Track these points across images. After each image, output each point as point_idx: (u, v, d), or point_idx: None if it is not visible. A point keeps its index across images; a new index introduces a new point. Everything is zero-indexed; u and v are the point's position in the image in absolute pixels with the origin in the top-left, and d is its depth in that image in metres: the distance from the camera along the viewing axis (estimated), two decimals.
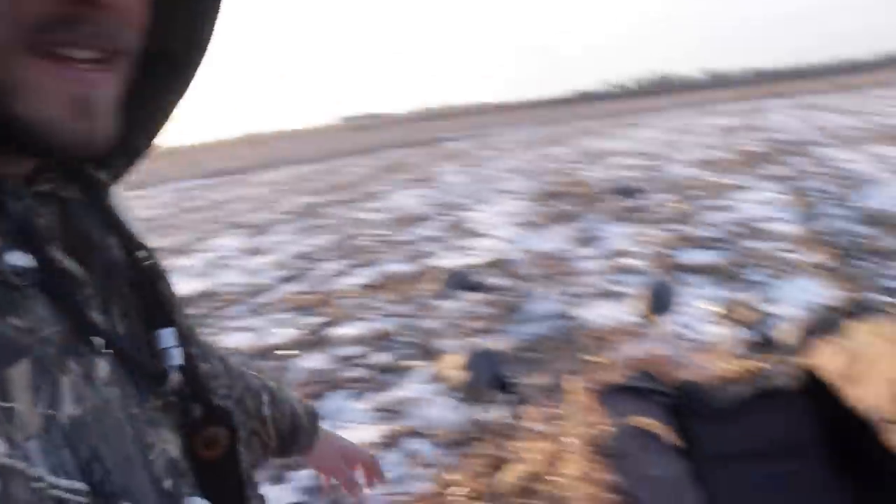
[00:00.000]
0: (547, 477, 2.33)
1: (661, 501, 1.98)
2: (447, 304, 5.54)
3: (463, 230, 8.79)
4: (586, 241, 7.33)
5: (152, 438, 0.58)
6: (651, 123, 29.82)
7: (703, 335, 4.04)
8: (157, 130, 0.65)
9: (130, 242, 0.64)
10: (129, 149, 0.64)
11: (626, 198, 9.61)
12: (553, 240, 7.60)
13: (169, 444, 0.60)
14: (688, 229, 7.27)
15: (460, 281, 5.99)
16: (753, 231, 6.88)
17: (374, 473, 1.20)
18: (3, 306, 0.47)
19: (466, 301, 5.56)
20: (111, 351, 0.55)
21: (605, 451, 2.12)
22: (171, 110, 0.64)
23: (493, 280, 6.10)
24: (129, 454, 0.54)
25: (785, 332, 3.52)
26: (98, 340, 0.53)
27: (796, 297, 4.68)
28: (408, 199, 12.40)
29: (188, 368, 0.64)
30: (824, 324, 3.42)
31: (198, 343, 0.73)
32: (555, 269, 6.31)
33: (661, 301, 4.49)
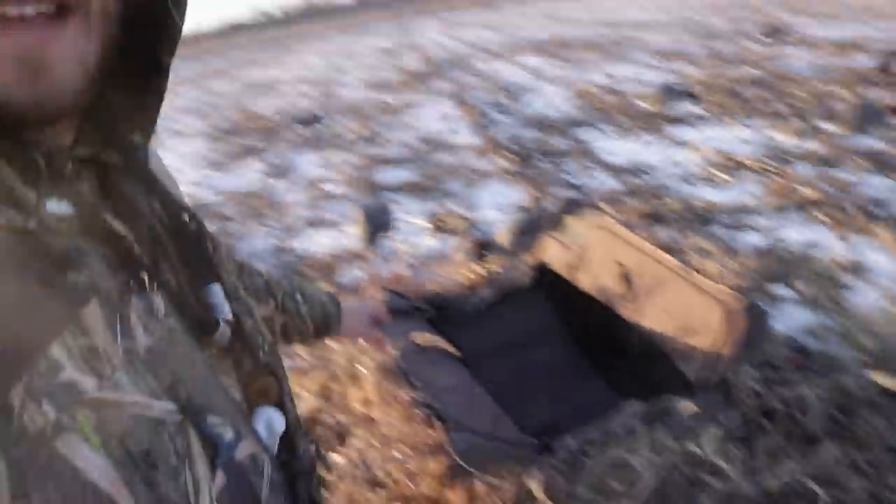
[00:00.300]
0: (350, 406, 2.31)
1: (458, 406, 2.06)
2: None
3: None
4: (279, 173, 7.20)
5: (217, 374, 0.61)
6: (310, 50, 29.72)
7: (427, 249, 4.21)
8: (163, 83, 0.64)
9: (173, 205, 0.66)
10: (146, 108, 0.64)
11: (306, 126, 9.54)
12: (244, 176, 7.35)
13: (232, 387, 0.64)
14: (377, 150, 7.45)
15: None
16: (437, 145, 7.24)
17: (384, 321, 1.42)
18: (60, 260, 0.48)
19: None
20: (166, 294, 0.57)
21: (397, 372, 2.14)
22: (166, 67, 0.63)
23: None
24: (204, 375, 0.57)
25: (502, 235, 3.78)
26: (153, 284, 0.55)
27: (495, 202, 5.05)
28: None
29: (236, 323, 0.66)
30: (534, 222, 3.74)
31: (243, 299, 0.73)
32: (256, 205, 6.13)
33: (377, 221, 4.57)
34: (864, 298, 3.15)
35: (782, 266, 3.43)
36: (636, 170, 5.44)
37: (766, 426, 2.13)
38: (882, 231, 3.72)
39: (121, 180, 0.62)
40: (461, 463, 1.84)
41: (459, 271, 3.19)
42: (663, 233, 4.02)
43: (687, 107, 7.26)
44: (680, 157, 5.66)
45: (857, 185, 4.45)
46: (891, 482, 2.05)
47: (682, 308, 2.39)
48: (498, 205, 4.96)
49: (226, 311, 0.65)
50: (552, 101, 8.68)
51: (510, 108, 8.58)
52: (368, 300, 1.63)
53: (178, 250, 0.64)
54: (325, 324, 1.19)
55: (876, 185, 4.42)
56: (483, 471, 1.88)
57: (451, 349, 2.44)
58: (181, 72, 30.59)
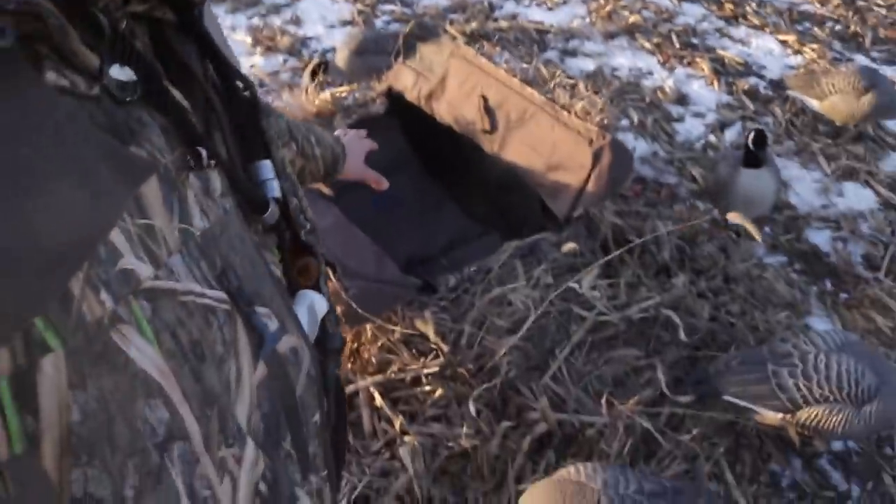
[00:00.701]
0: None
1: (341, 250, 2.03)
2: None
3: None
4: None
5: (264, 255, 0.60)
6: None
7: (258, 69, 3.93)
8: None
9: (227, 70, 0.62)
10: None
11: None
12: None
13: (274, 265, 0.63)
14: None
15: None
16: None
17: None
18: (122, 130, 0.46)
19: None
20: (220, 170, 0.55)
21: None
22: None
23: None
24: (254, 261, 0.56)
25: (340, 58, 3.60)
26: (209, 159, 0.53)
27: (320, 15, 4.75)
28: None
29: (283, 202, 0.64)
30: (371, 43, 3.58)
31: (289, 176, 0.70)
32: None
33: None
34: (689, 128, 3.39)
35: (616, 92, 3.58)
36: None
37: (627, 259, 2.30)
38: (700, 60, 3.95)
39: (175, 40, 0.58)
40: (358, 310, 1.84)
41: (309, 100, 3.03)
42: (501, 55, 4.02)
43: None
44: None
45: (675, 12, 4.64)
46: (726, 303, 2.32)
47: (547, 144, 2.44)
48: (324, 19, 4.67)
49: (275, 189, 0.63)
50: None
51: None
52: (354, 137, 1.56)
53: (231, 121, 0.61)
54: (333, 166, 1.23)
55: (692, 12, 4.64)
56: (376, 314, 1.89)
57: (322, 187, 2.37)
58: None
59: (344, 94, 3.04)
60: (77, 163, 0.41)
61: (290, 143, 1.05)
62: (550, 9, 4.81)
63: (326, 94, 3.06)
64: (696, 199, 2.89)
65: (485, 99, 2.59)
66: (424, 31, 3.18)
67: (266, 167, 0.63)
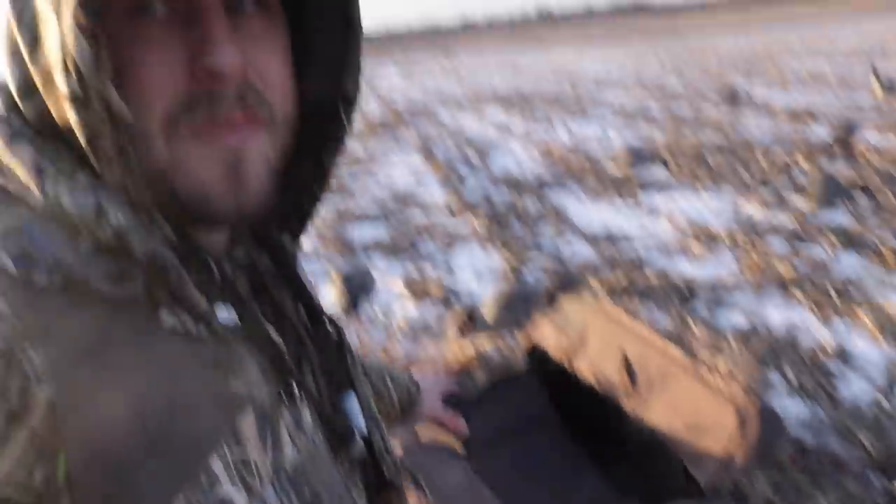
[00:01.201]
0: None
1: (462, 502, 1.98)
2: None
3: None
4: None
5: (350, 489, 0.62)
6: None
7: (409, 318, 4.12)
8: (323, 189, 0.67)
9: (317, 311, 0.67)
10: (301, 212, 0.67)
11: None
12: None
13: (360, 499, 0.65)
14: (347, 203, 7.37)
15: None
16: (409, 201, 7.21)
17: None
18: (224, 367, 0.51)
19: None
20: (311, 404, 0.58)
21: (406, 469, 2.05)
22: (331, 166, 0.66)
23: None
24: (341, 494, 0.58)
25: (487, 309, 3.72)
26: (300, 394, 0.57)
27: (472, 266, 5.00)
28: None
29: (368, 436, 0.67)
30: (519, 297, 3.69)
31: (374, 411, 0.72)
32: None
33: (357, 285, 4.48)
34: (855, 389, 3.17)
35: (769, 350, 3.44)
36: (611, 238, 5.46)
37: None
38: (862, 314, 3.76)
39: (271, 284, 0.65)
40: None
41: (451, 349, 3.12)
42: (647, 308, 4.01)
43: (655, 171, 7.37)
44: (653, 225, 5.70)
45: (831, 263, 4.52)
46: None
47: (690, 406, 2.34)
48: (475, 270, 4.91)
49: (360, 422, 0.66)
50: (520, 159, 8.73)
51: (478, 165, 8.61)
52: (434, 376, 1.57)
53: (320, 358, 0.66)
54: (408, 406, 1.24)
55: (850, 263, 4.50)
56: None
57: (454, 442, 2.36)
58: None
59: (487, 347, 3.11)
60: (182, 396, 0.47)
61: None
62: (699, 261, 4.83)
63: (470, 346, 3.14)
64: (868, 471, 2.63)
65: (625, 357, 2.56)
66: (568, 284, 3.26)
67: (352, 402, 0.66)
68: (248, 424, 0.50)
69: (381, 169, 9.04)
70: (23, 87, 0.51)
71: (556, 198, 6.78)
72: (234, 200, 0.53)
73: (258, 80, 0.53)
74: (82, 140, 0.48)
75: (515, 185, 7.40)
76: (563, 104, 13.41)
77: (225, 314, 0.53)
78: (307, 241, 6.15)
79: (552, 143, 9.37)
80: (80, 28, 0.45)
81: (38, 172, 0.49)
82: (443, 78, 24.77)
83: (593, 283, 4.34)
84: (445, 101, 16.25)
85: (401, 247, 5.72)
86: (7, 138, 0.50)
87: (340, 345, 0.68)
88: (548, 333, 2.92)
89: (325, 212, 7.10)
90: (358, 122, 13.85)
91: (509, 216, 6.28)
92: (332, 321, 0.69)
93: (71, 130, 0.49)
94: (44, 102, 0.50)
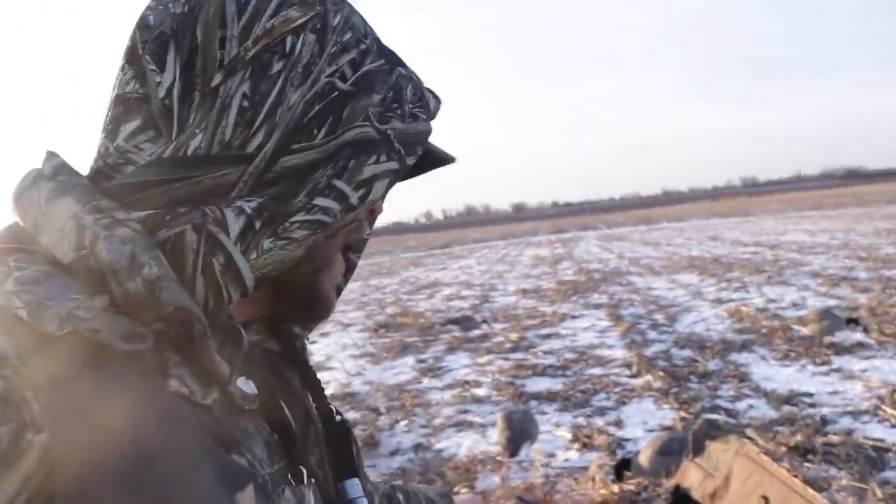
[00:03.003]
0: None
1: None
2: None
3: None
4: (431, 371, 7.41)
5: None
6: (470, 254, 31.09)
7: (566, 461, 4.16)
8: (347, 280, 0.76)
9: (322, 398, 0.69)
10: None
11: (461, 328, 9.85)
12: (397, 371, 7.62)
13: None
14: (527, 357, 7.55)
15: None
16: (588, 357, 7.26)
17: None
18: (228, 439, 0.52)
19: None
20: (315, 488, 0.59)
21: None
22: (353, 267, 0.76)
23: (344, 414, 5.98)
24: None
25: (642, 455, 3.70)
26: (305, 476, 0.58)
27: (642, 420, 4.95)
28: None
29: None
30: (676, 444, 3.65)
31: (373, 496, 0.77)
32: (405, 400, 6.31)
33: (520, 429, 4.59)
34: None
35: None
36: (794, 399, 5.20)
37: None
38: None
39: (281, 367, 0.67)
40: None
41: (595, 488, 3.14)
42: (824, 469, 3.78)
43: (852, 335, 6.95)
44: (843, 388, 5.37)
45: None
46: None
47: None
48: (645, 424, 4.86)
49: None
50: (708, 321, 8.56)
51: (664, 326, 8.53)
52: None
53: (327, 443, 0.67)
54: None
55: None
56: None
57: None
58: None
59: (632, 488, 3.10)
60: (182, 465, 0.48)
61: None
62: (894, 426, 4.49)
63: (614, 486, 3.14)
64: None
65: (766, 500, 2.50)
66: (715, 429, 3.22)
67: (355, 486, 0.68)
68: (246, 499, 0.50)
69: (565, 327, 9.19)
70: (220, 152, 0.54)
71: (741, 358, 6.57)
72: (333, 307, 0.62)
73: None
74: (311, 219, 0.56)
75: (699, 345, 7.26)
76: (760, 270, 13.01)
77: (243, 384, 0.54)
78: (481, 389, 6.37)
79: (743, 306, 9.11)
80: (389, 182, 0.60)
81: (77, 224, 0.51)
82: (640, 245, 24.84)
83: (762, 439, 4.17)
84: (639, 267, 16.28)
85: (573, 399, 5.78)
86: (49, 192, 0.53)
87: (346, 432, 0.70)
88: (693, 476, 2.90)
89: (504, 364, 7.33)
90: (550, 284, 14.19)
91: (688, 374, 6.17)
92: (336, 410, 0.70)
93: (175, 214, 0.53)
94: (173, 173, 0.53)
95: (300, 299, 0.63)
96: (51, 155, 0.57)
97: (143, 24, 0.56)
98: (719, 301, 9.91)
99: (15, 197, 0.55)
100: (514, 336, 8.82)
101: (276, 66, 0.54)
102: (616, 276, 14.74)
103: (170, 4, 0.55)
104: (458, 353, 8.20)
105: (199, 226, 0.52)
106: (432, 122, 0.64)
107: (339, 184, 0.56)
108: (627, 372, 6.47)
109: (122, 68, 0.56)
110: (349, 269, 0.69)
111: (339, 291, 0.70)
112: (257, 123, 0.54)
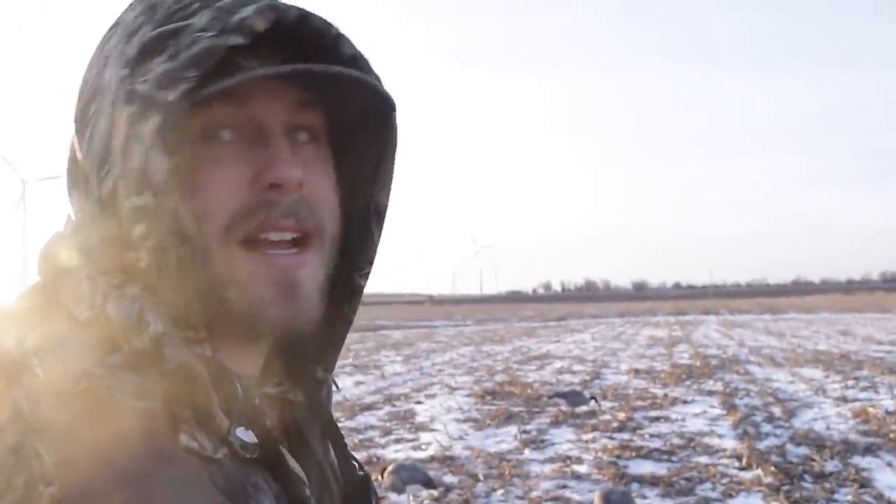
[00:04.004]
0: None
1: None
2: (399, 499, 5.43)
3: (408, 422, 8.73)
4: (533, 443, 7.36)
5: None
6: (586, 328, 30.63)
7: None
8: (353, 313, 0.66)
9: (343, 450, 0.67)
10: (334, 338, 0.66)
11: (568, 402, 9.72)
12: (498, 438, 7.60)
13: None
14: (633, 439, 7.38)
15: (411, 475, 5.90)
16: (697, 445, 7.03)
17: None
18: (237, 494, 0.51)
19: (419, 497, 5.46)
20: None
21: None
22: (360, 290, 0.66)
23: (443, 476, 6.03)
24: None
25: None
26: None
27: None
28: (352, 388, 12.29)
29: None
30: None
31: None
32: (504, 469, 6.29)
33: None
34: None
35: None
36: None
37: None
38: None
39: (300, 418, 0.64)
40: None
41: None
42: None
43: None
44: None
45: None
46: None
47: None
48: None
49: None
50: (830, 419, 8.12)
51: (781, 420, 8.16)
52: None
53: (344, 499, 0.65)
54: None
55: None
56: None
57: None
58: (464, 329, 33.00)
59: None
60: None
61: None
62: None
63: None
64: None
65: None
66: None
67: None
68: None
69: (675, 412, 8.93)
70: (86, 210, 0.55)
71: (864, 462, 6.20)
72: (286, 315, 0.55)
73: (310, 198, 0.55)
74: (144, 254, 0.52)
75: (818, 443, 6.90)
76: (894, 370, 12.22)
77: (245, 437, 0.54)
78: (581, 466, 6.27)
79: (870, 407, 8.59)
80: (162, 148, 0.50)
81: (91, 283, 0.53)
82: (763, 334, 23.81)
83: None
84: (760, 357, 15.62)
85: (677, 485, 5.61)
86: (68, 253, 0.56)
87: (366, 487, 0.67)
88: None
89: (608, 442, 7.19)
90: (664, 366, 13.82)
91: (803, 473, 5.88)
92: (358, 463, 0.68)
93: (129, 247, 0.53)
94: (104, 224, 0.54)
95: (229, 326, 0.55)
96: (70, 218, 0.59)
97: None
98: (844, 399, 9.39)
99: (41, 257, 0.58)
100: (621, 415, 8.64)
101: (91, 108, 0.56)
102: (734, 363, 14.20)
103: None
104: (562, 428, 8.10)
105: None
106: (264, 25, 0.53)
107: (131, 202, 0.52)
108: (737, 464, 6.22)
109: None
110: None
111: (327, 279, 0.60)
112: (91, 169, 0.55)
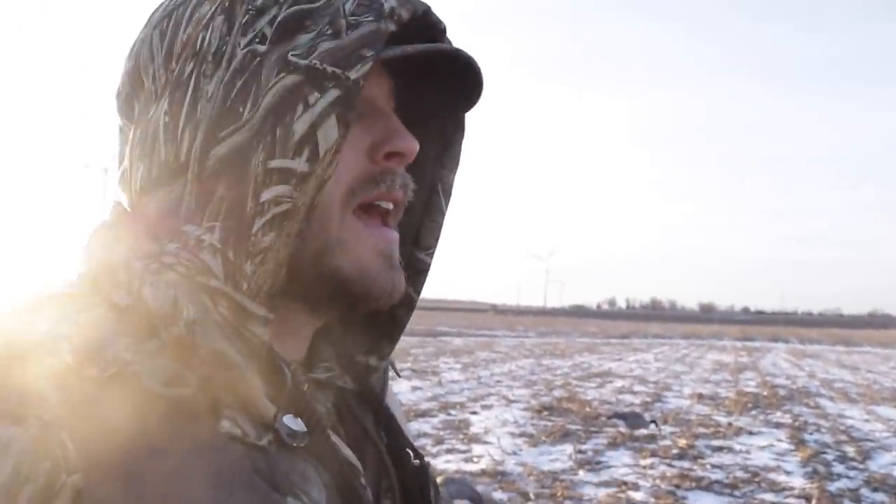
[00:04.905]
0: None
1: None
2: None
3: (462, 432, 8.59)
4: (589, 464, 7.13)
5: None
6: (649, 348, 30.01)
7: None
8: (417, 295, 0.66)
9: (400, 439, 0.65)
10: (396, 321, 0.65)
11: (627, 424, 9.44)
12: (552, 457, 7.40)
13: None
14: (694, 468, 7.09)
15: (459, 490, 5.76)
16: (762, 480, 6.70)
17: None
18: (283, 482, 0.49)
19: None
20: None
21: None
22: (426, 270, 0.67)
23: (492, 492, 5.87)
24: None
25: None
26: None
27: None
28: (408, 393, 12.22)
29: None
30: None
31: None
32: (556, 489, 6.09)
33: None
34: None
35: None
36: None
37: None
38: None
39: (354, 405, 0.63)
40: None
41: None
42: None
43: None
44: None
45: None
46: None
47: None
48: None
49: None
50: None
51: (855, 461, 7.73)
52: None
53: (401, 487, 0.63)
54: None
55: None
56: None
57: None
58: (525, 341, 32.73)
59: None
60: None
61: None
62: None
63: None
64: None
65: None
66: None
67: None
68: None
69: (740, 442, 8.57)
70: (153, 177, 0.55)
71: None
72: (389, 284, 0.56)
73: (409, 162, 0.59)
74: (269, 219, 0.51)
75: (892, 487, 6.49)
76: None
77: (293, 425, 0.52)
78: (637, 493, 6.02)
79: None
80: (335, 119, 0.51)
81: (129, 269, 0.52)
82: (836, 366, 22.90)
83: None
84: (832, 390, 14.97)
85: None
86: (110, 240, 0.56)
87: (423, 476, 0.65)
88: None
89: (668, 470, 6.92)
90: (729, 393, 13.36)
91: None
92: (416, 452, 0.66)
93: (233, 213, 0.52)
94: (173, 189, 0.54)
95: (326, 293, 0.56)
96: (115, 204, 0.59)
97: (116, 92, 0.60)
98: None
99: (85, 245, 0.58)
100: (682, 442, 8.33)
101: (188, 69, 0.54)
102: (804, 395, 13.63)
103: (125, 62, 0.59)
104: (620, 450, 7.84)
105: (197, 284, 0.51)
106: (399, 17, 0.55)
107: (276, 163, 0.51)
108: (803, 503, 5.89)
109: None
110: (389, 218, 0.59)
111: (417, 260, 0.65)
112: (180, 129, 0.54)
